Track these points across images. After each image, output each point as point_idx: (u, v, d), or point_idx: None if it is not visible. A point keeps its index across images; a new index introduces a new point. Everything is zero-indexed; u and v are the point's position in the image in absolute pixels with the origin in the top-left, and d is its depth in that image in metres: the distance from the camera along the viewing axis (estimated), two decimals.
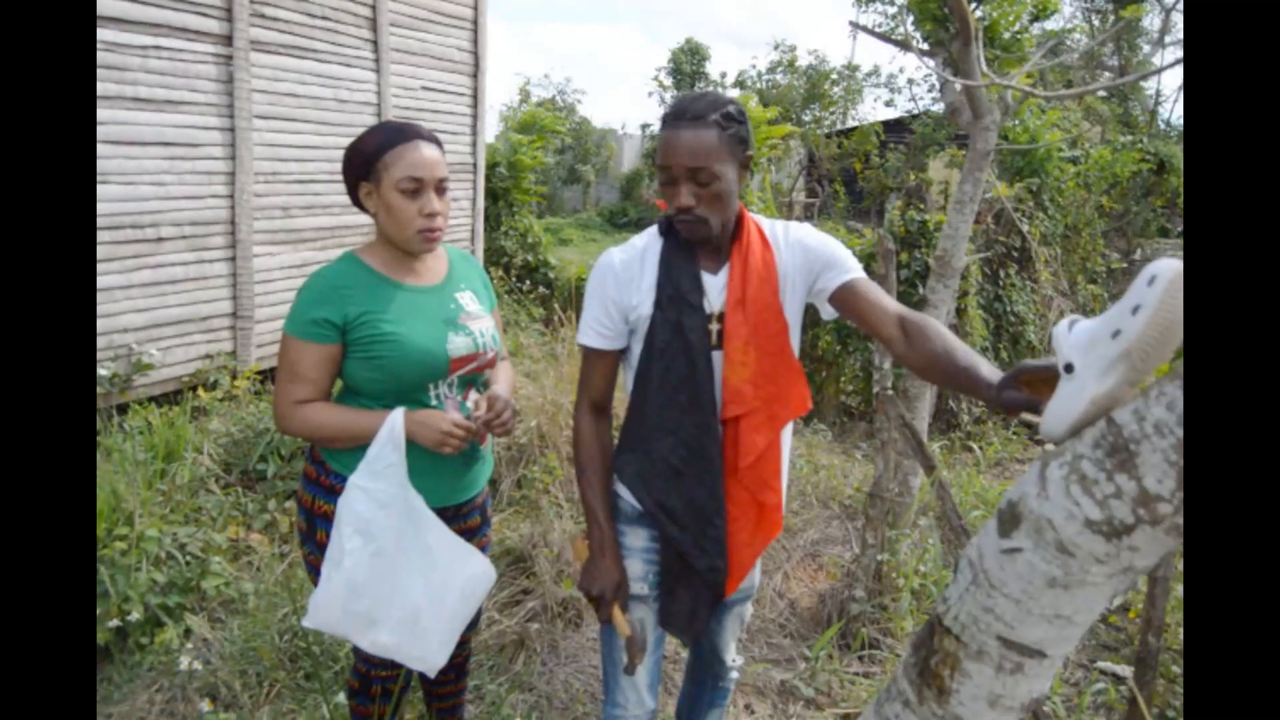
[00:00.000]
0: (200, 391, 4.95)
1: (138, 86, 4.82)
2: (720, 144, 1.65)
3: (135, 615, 2.80)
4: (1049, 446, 1.01)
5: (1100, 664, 3.22)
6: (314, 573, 1.92)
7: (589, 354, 1.86)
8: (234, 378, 5.31)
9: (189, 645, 2.86)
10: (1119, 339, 0.93)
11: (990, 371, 1.37)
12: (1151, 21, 19.99)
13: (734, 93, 20.37)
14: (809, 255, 1.79)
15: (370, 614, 1.79)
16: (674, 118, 1.67)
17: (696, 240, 1.76)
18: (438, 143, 1.89)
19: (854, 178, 17.24)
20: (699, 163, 1.64)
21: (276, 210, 5.85)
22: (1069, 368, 1.00)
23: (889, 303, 1.69)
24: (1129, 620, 3.47)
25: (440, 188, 1.86)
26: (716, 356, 1.77)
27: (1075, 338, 1.01)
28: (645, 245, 1.84)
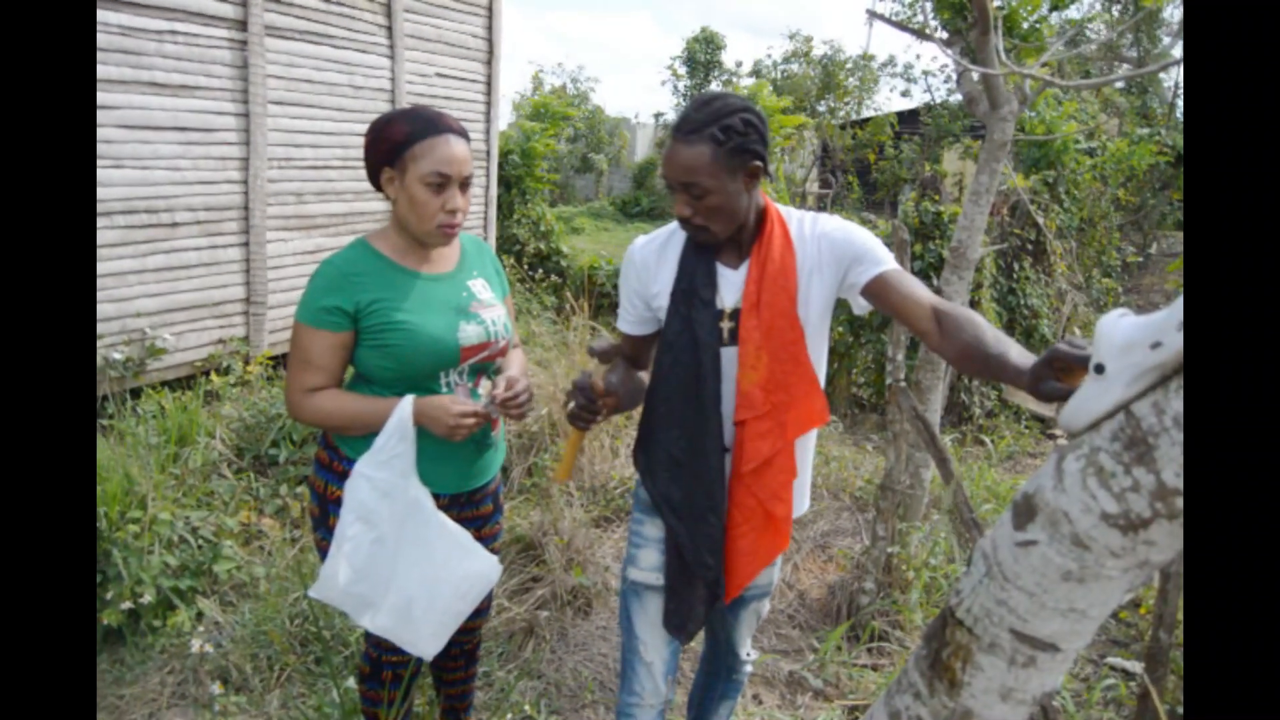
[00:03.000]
0: (213, 376, 4.97)
1: (153, 71, 4.82)
2: (714, 159, 1.63)
3: (148, 598, 2.81)
4: (1062, 440, 1.00)
5: (1110, 659, 3.21)
6: (325, 557, 1.93)
7: (624, 336, 1.97)
8: (246, 363, 5.33)
9: (200, 628, 2.88)
10: (1158, 351, 0.90)
11: (1020, 356, 1.36)
12: (1171, 13, 19.78)
13: (748, 82, 20.27)
14: (836, 249, 1.76)
15: (368, 597, 1.82)
16: (674, 128, 1.68)
17: (708, 243, 1.75)
18: (466, 136, 1.88)
19: (868, 169, 17.16)
20: (689, 178, 1.65)
21: (290, 196, 5.86)
22: (1100, 368, 0.98)
23: (923, 294, 1.66)
24: (1140, 616, 3.45)
25: (465, 184, 1.85)
26: (728, 353, 1.77)
27: (1115, 338, 0.98)
28: (670, 235, 1.86)
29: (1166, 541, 0.91)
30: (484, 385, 1.99)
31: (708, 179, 1.64)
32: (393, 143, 1.81)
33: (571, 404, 1.80)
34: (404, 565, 1.82)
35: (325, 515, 1.93)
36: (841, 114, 20.48)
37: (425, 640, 1.87)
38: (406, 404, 1.79)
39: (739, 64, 24.06)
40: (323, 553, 1.94)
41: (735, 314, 1.76)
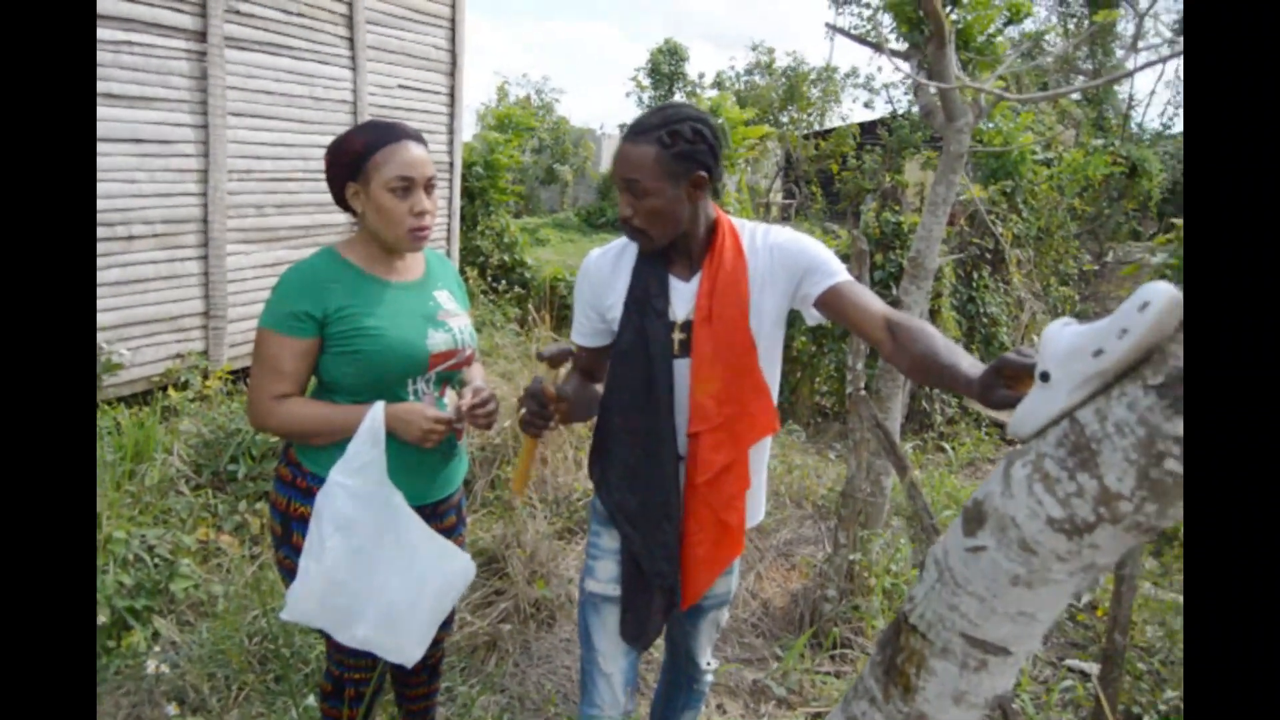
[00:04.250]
0: (171, 391, 4.90)
1: (109, 82, 4.76)
2: (656, 161, 1.66)
3: (102, 618, 2.76)
4: (1019, 446, 1.02)
5: (1068, 661, 3.25)
6: (288, 575, 1.90)
7: (580, 348, 1.98)
8: (205, 378, 5.26)
9: (156, 648, 2.83)
10: (1100, 359, 0.92)
11: (971, 366, 1.37)
12: (1125, 26, 20.23)
13: (711, 93, 20.40)
14: (788, 261, 1.77)
15: (348, 609, 1.79)
16: (626, 130, 1.71)
17: (646, 249, 1.77)
18: (423, 141, 1.90)
19: (831, 179, 17.32)
20: (631, 175, 1.67)
21: (250, 209, 5.80)
22: (1045, 376, 1.00)
23: (875, 305, 1.67)
24: (1097, 618, 3.50)
25: (429, 186, 1.87)
26: (680, 365, 1.78)
27: (1058, 347, 1.00)
28: (624, 247, 1.87)
29: (1111, 545, 0.92)
30: (450, 395, 1.99)
31: (649, 180, 1.66)
32: (352, 156, 1.82)
33: (523, 410, 1.80)
34: (384, 572, 1.81)
35: (289, 533, 1.90)
36: (805, 125, 20.69)
37: (410, 646, 1.85)
38: (378, 409, 1.79)
39: (701, 75, 24.17)
40: (286, 571, 1.92)
41: (687, 326, 1.77)
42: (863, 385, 3.31)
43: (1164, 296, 0.89)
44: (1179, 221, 3.55)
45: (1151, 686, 2.90)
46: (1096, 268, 10.50)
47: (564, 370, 1.92)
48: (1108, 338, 0.93)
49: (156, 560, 3.10)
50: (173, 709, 2.49)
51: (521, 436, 2.10)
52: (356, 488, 1.75)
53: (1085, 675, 3.13)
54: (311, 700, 2.52)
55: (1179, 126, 18.78)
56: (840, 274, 1.74)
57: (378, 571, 1.80)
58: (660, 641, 2.39)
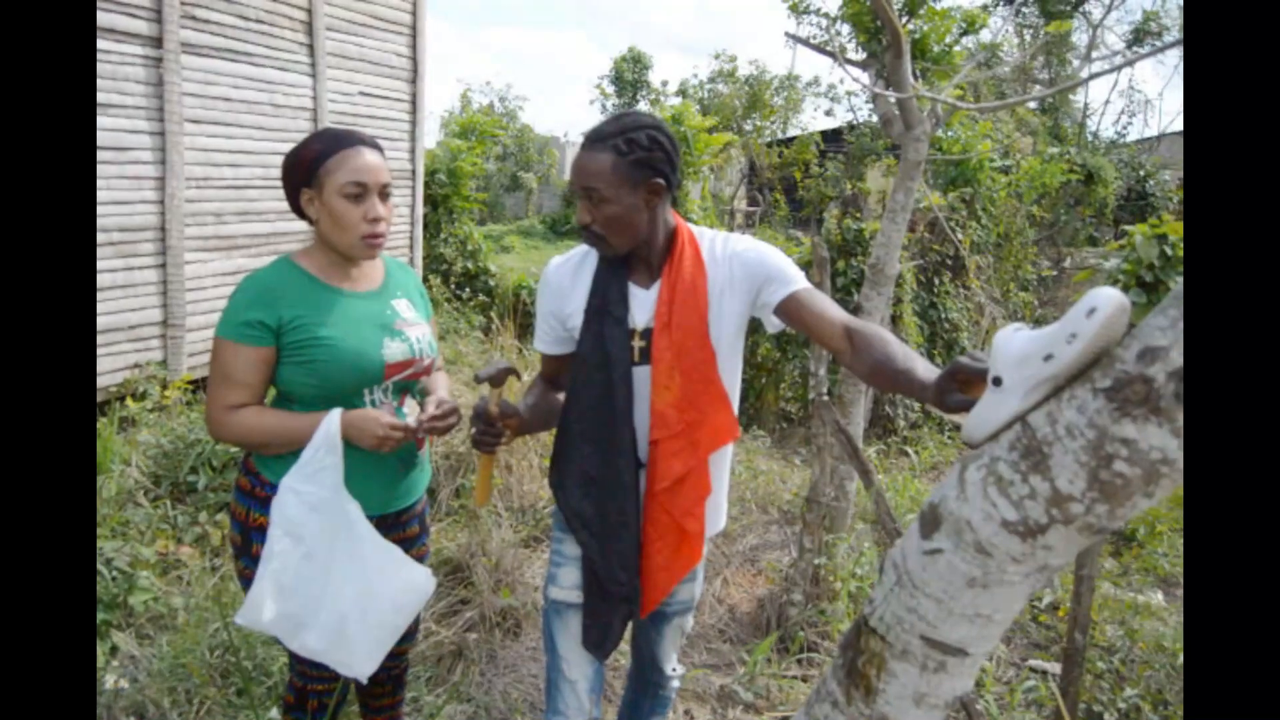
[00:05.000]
0: (129, 402, 4.82)
1: None
2: (613, 168, 1.67)
3: None
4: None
5: (1031, 662, 3.30)
6: (248, 586, 1.88)
7: (542, 356, 1.98)
8: (164, 387, 5.18)
9: (115, 663, 2.78)
10: (1050, 363, 0.95)
11: (926, 371, 1.40)
12: (1079, 38, 20.61)
13: (674, 101, 20.48)
14: (748, 269, 1.79)
15: (299, 616, 1.78)
16: (584, 138, 1.73)
17: (606, 255, 1.78)
18: (379, 148, 1.90)
19: (794, 186, 17.47)
20: (589, 183, 1.69)
21: (209, 216, 5.73)
22: (997, 381, 1.02)
23: (834, 313, 1.70)
24: (1059, 618, 3.56)
25: (384, 193, 1.87)
26: (640, 372, 1.79)
27: (1010, 352, 1.02)
28: (584, 255, 1.88)
29: (1063, 546, 0.94)
30: (409, 404, 1.98)
31: (606, 187, 1.67)
32: (307, 162, 1.82)
33: (473, 430, 1.81)
34: (336, 581, 1.79)
35: (248, 543, 1.88)
36: (768, 133, 20.83)
37: (360, 660, 1.83)
38: (334, 415, 1.78)
39: (665, 83, 24.25)
40: (245, 581, 1.90)
41: (647, 333, 1.78)
42: (825, 391, 3.34)
43: (1111, 302, 0.91)
44: (1132, 228, 3.62)
45: (1111, 685, 2.96)
46: (1055, 273, 10.66)
47: (508, 386, 1.92)
48: (1057, 343, 0.95)
49: (114, 573, 3.05)
50: None
51: (476, 454, 2.10)
52: (309, 494, 1.74)
53: (1047, 675, 3.18)
54: (275, 713, 2.49)
55: (1133, 135, 19.17)
56: (799, 282, 1.76)
57: (329, 580, 1.78)
58: (627, 647, 2.40)
